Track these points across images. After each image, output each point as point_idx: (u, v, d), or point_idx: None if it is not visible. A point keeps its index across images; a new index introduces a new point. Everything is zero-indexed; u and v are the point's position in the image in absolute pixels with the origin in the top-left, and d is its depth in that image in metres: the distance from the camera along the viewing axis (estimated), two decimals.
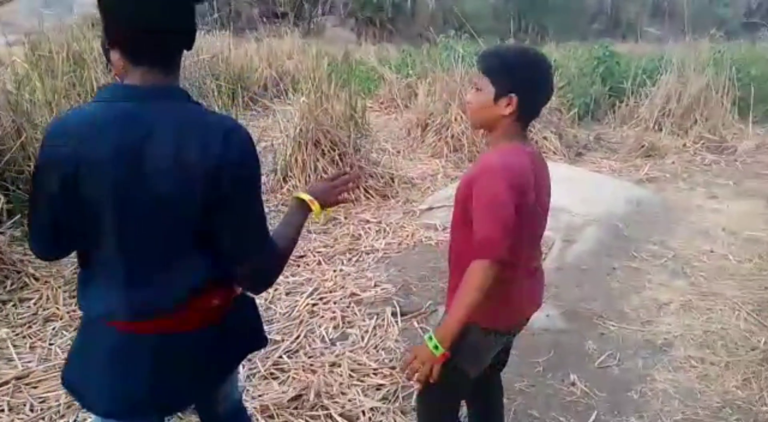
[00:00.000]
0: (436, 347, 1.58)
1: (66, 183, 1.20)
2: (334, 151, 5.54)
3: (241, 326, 1.52)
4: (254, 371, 2.83)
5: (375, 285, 3.80)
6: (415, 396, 2.11)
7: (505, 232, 1.56)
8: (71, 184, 1.20)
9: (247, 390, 2.70)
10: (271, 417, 2.51)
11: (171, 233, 1.26)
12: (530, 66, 1.69)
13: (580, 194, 5.33)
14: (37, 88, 5.62)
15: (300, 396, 2.64)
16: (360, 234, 4.71)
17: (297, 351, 3.06)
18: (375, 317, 3.40)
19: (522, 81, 1.68)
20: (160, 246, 1.27)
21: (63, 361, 2.64)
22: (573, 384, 2.85)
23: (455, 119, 7.24)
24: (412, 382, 1.68)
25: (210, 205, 1.24)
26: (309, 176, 5.41)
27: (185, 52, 1.33)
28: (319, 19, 21.22)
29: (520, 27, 15.06)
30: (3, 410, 2.51)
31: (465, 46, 9.15)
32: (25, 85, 5.63)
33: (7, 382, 2.67)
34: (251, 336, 1.61)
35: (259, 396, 2.65)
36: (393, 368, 2.91)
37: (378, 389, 2.76)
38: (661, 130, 8.36)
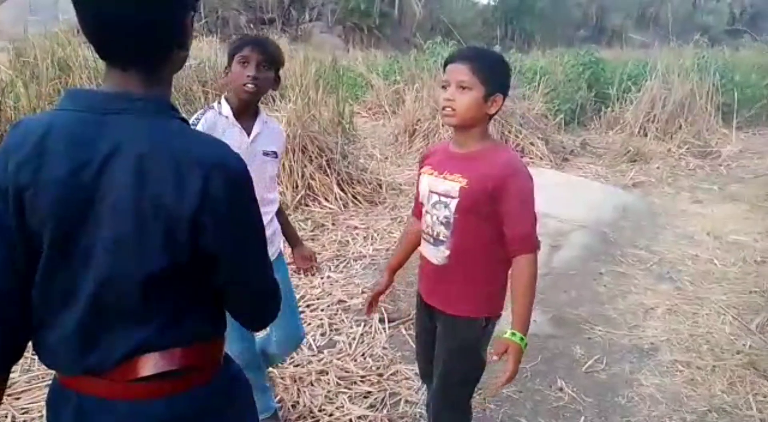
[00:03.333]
0: (522, 339, 1.70)
1: (8, 209, 0.97)
2: (322, 157, 5.54)
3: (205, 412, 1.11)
4: None
5: (362, 292, 3.79)
6: (429, 395, 2.12)
7: (535, 226, 1.73)
8: (15, 212, 0.97)
9: None
10: None
11: (108, 287, 0.98)
12: (510, 70, 1.84)
13: (567, 200, 5.36)
14: (21, 94, 5.59)
15: (289, 406, 2.62)
16: (348, 241, 4.70)
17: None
18: (363, 324, 3.39)
19: (507, 82, 1.81)
20: (94, 298, 0.99)
21: (45, 372, 2.62)
22: (560, 389, 2.85)
23: (442, 126, 7.27)
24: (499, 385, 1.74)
25: (183, 259, 0.98)
26: (296, 182, 5.40)
27: (179, 57, 1.06)
28: (306, 25, 21.22)
29: (507, 33, 15.17)
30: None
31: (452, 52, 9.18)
32: (9, 91, 5.59)
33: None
34: None
35: None
36: (381, 375, 2.90)
37: (365, 396, 2.75)
38: (646, 135, 8.44)
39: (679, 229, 5.21)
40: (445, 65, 1.80)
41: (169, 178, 0.94)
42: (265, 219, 2.11)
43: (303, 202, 5.32)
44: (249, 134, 2.06)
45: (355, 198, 5.59)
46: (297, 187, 5.38)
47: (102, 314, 1.00)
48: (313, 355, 3.07)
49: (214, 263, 1.02)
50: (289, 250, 2.42)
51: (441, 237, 1.84)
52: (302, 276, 2.53)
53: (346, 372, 2.93)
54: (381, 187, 5.92)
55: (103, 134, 0.96)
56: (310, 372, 2.89)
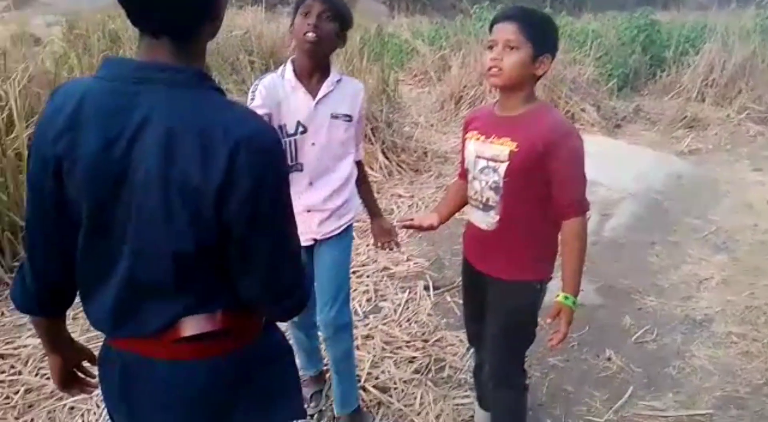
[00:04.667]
0: (573, 303, 1.72)
1: (48, 178, 0.97)
2: (367, 126, 5.51)
3: (249, 374, 1.13)
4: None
5: (407, 260, 3.80)
6: (477, 360, 2.17)
7: (585, 189, 1.73)
8: (54, 181, 0.97)
9: None
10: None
11: (141, 261, 0.99)
12: (558, 30, 1.80)
13: (618, 167, 5.21)
14: (74, 66, 5.72)
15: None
16: (393, 209, 4.70)
17: None
18: (407, 291, 3.40)
19: (555, 42, 1.77)
20: (129, 271, 1.00)
21: None
22: (609, 359, 2.81)
23: (489, 91, 7.12)
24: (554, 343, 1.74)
25: (211, 237, 0.96)
26: None
27: (212, 28, 1.03)
28: None
29: None
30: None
31: None
32: (63, 63, 5.73)
33: None
34: (263, 396, 1.15)
35: None
36: (426, 341, 2.92)
37: (411, 361, 2.77)
38: (703, 100, 8.08)
39: (737, 198, 4.99)
40: (492, 25, 1.75)
41: (196, 153, 0.91)
42: (333, 187, 2.05)
43: None
44: (315, 96, 1.96)
45: (400, 166, 5.56)
46: None
47: (138, 287, 1.00)
48: (359, 320, 3.10)
49: (231, 243, 0.98)
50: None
51: (490, 203, 1.81)
52: (380, 249, 2.41)
53: (392, 337, 2.96)
54: (426, 155, 5.87)
55: (134, 105, 0.93)
56: (356, 337, 2.91)
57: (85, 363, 1.30)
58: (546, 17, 1.78)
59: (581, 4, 16.50)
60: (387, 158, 5.51)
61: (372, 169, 5.38)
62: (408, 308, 3.24)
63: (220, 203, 0.93)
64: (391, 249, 2.36)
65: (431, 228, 2.00)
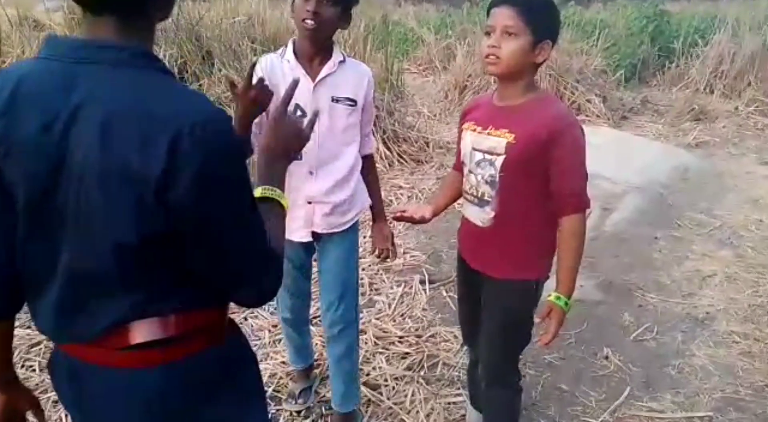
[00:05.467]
0: (566, 304, 1.65)
1: None
2: None
3: (207, 379, 1.05)
4: (277, 337, 2.80)
5: (404, 252, 3.74)
6: (471, 358, 2.11)
7: (585, 184, 1.65)
8: None
9: (271, 357, 2.68)
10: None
11: (82, 255, 0.92)
12: (559, 15, 1.69)
13: (622, 159, 5.12)
14: None
15: (322, 364, 2.60)
16: (391, 201, 4.63)
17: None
18: (403, 285, 3.34)
19: (556, 28, 1.68)
20: (71, 266, 0.93)
21: None
22: (606, 357, 2.74)
23: (494, 80, 7.01)
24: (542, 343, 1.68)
25: (156, 228, 0.88)
26: None
27: (162, 3, 0.95)
28: None
29: None
30: (35, 369, 2.56)
31: None
32: None
33: (38, 343, 2.71)
34: (226, 406, 1.08)
35: (282, 362, 2.63)
36: (419, 336, 2.86)
37: (403, 358, 2.71)
38: (712, 92, 7.95)
39: (744, 193, 4.90)
40: (489, 10, 1.66)
41: (135, 138, 0.83)
42: (336, 178, 1.93)
43: None
44: (315, 79, 1.85)
45: (401, 156, 5.48)
46: None
47: (81, 283, 0.93)
48: None
49: (182, 236, 0.90)
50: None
51: (486, 198, 1.74)
52: (376, 258, 2.28)
53: (384, 332, 2.90)
54: (428, 146, 5.79)
55: (73, 86, 0.86)
56: None
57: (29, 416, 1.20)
58: (546, 1, 1.67)
59: None
60: (388, 148, 5.43)
61: None
62: (403, 303, 3.18)
63: (163, 192, 0.85)
64: (386, 258, 2.24)
65: (423, 220, 1.93)
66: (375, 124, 5.39)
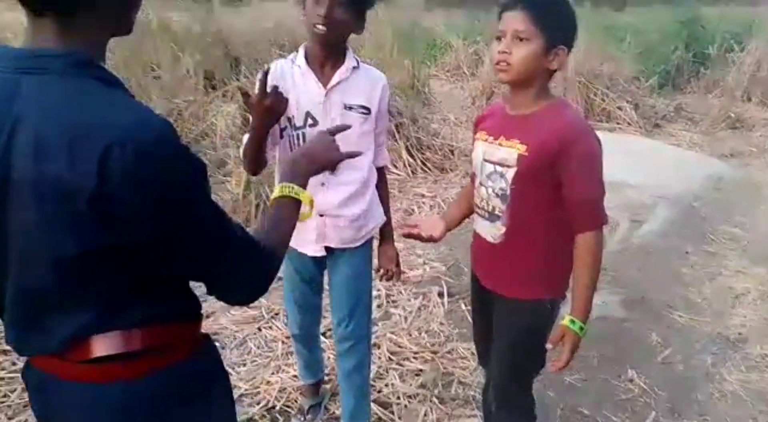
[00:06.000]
0: (581, 328, 1.56)
1: None
2: (390, 120, 5.36)
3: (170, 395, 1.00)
4: (291, 349, 2.75)
5: (424, 263, 3.66)
6: (486, 380, 2.00)
7: (602, 198, 1.55)
8: None
9: (283, 370, 2.63)
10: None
11: (27, 270, 0.90)
12: (575, 19, 1.58)
13: (653, 169, 4.97)
14: (108, 58, 5.71)
15: (333, 379, 2.54)
16: (413, 210, 4.55)
17: None
18: (420, 297, 3.26)
19: (572, 32, 1.57)
20: (19, 281, 0.92)
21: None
22: (631, 380, 2.62)
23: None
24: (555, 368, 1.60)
25: (97, 242, 0.85)
26: None
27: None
28: None
29: None
30: None
31: None
32: None
33: None
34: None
35: (294, 376, 2.57)
36: (435, 352, 2.77)
37: (417, 375, 2.63)
38: (749, 100, 7.74)
39: None
40: (500, 13, 1.57)
41: (64, 152, 0.80)
42: (349, 190, 1.86)
43: None
44: (327, 85, 1.79)
45: (425, 164, 5.41)
46: None
47: (31, 299, 0.92)
48: None
49: (141, 246, 0.87)
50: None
51: (496, 212, 1.65)
52: (381, 280, 2.18)
53: (399, 347, 2.82)
54: (453, 154, 5.70)
55: (15, 96, 0.83)
56: None
57: None
58: (561, 4, 1.58)
59: None
60: (411, 156, 5.37)
61: (395, 167, 5.24)
62: (419, 316, 3.10)
63: (101, 205, 0.81)
64: (390, 279, 2.17)
65: (432, 240, 1.85)
66: (398, 131, 5.35)
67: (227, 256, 0.96)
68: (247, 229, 1.02)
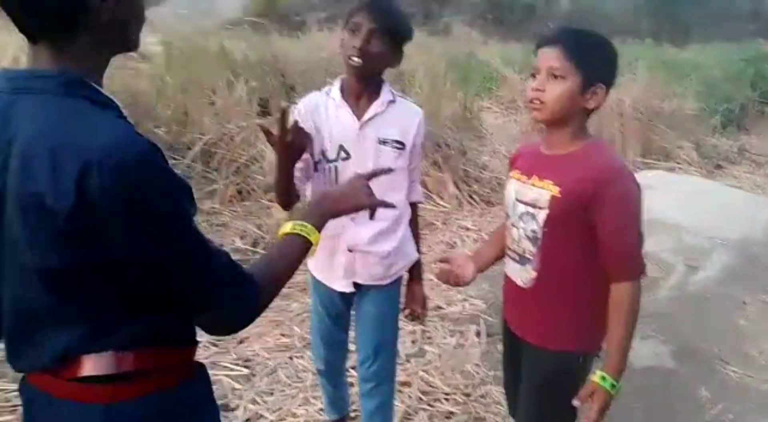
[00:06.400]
0: (612, 386, 1.46)
1: None
2: (438, 152, 5.33)
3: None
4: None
5: (463, 300, 3.56)
6: None
7: (641, 246, 1.48)
8: None
9: (310, 403, 2.58)
10: None
11: (16, 287, 0.93)
12: (616, 56, 1.52)
13: (712, 212, 4.73)
14: (168, 83, 5.90)
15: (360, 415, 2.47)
16: (456, 243, 4.47)
17: None
18: (457, 335, 3.16)
19: (611, 69, 1.51)
20: (10, 298, 0.95)
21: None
22: None
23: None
24: None
25: (82, 258, 0.86)
26: None
27: (98, 22, 0.89)
28: (447, 18, 21.00)
29: (661, 26, 13.99)
30: None
31: None
32: (158, 81, 5.93)
33: None
34: None
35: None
36: (467, 395, 2.67)
37: (448, 417, 2.53)
38: None
39: None
40: (537, 50, 1.52)
41: (46, 171, 0.82)
42: (380, 226, 1.80)
43: None
44: (361, 118, 1.77)
45: (471, 197, 5.34)
46: None
47: (22, 314, 0.94)
48: (399, 363, 2.88)
49: (124, 265, 0.88)
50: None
51: (527, 255, 1.58)
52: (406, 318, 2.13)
53: (431, 386, 2.73)
54: (500, 187, 5.59)
55: (10, 117, 0.87)
56: None
57: None
58: (599, 40, 1.52)
59: (687, 34, 15.63)
60: (458, 188, 5.31)
61: (441, 198, 5.19)
62: (455, 355, 3.00)
63: (79, 224, 0.83)
64: (415, 319, 2.13)
65: (460, 284, 1.79)
66: (446, 163, 5.31)
67: (207, 280, 0.94)
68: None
